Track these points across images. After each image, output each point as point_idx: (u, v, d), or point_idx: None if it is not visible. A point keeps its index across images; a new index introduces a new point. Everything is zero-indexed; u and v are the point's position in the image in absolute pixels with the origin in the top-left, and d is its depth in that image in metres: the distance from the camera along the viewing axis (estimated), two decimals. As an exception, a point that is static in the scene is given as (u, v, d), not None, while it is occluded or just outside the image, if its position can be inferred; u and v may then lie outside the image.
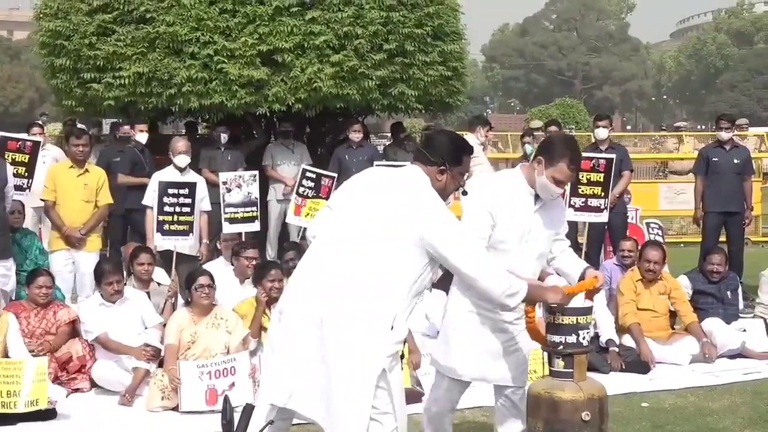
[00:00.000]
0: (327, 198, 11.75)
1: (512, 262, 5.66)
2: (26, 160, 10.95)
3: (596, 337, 9.36)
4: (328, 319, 4.89)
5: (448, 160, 5.39)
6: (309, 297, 5.05)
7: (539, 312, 6.09)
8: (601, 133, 12.58)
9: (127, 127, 13.41)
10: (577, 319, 9.56)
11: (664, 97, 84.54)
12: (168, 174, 11.13)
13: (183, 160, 11.19)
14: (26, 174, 10.92)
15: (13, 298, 9.53)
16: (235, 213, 11.30)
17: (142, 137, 13.01)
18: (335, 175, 12.41)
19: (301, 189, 11.72)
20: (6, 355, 8.26)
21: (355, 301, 4.93)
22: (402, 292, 5.02)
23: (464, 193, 5.88)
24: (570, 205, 10.78)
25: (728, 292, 10.47)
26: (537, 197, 5.82)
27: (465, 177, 5.91)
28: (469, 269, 5.10)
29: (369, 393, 4.93)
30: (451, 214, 5.17)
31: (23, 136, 12.08)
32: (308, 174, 11.78)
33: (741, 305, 10.81)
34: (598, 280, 5.91)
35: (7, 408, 7.65)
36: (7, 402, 7.66)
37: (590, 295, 6.03)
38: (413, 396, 8.31)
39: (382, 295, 4.94)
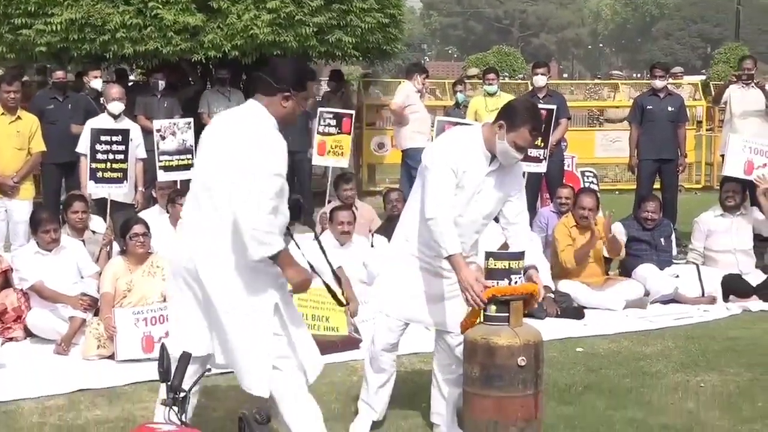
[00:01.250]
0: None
1: (458, 218, 5.75)
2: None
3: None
4: (202, 268, 5.10)
5: (292, 86, 5.39)
6: (181, 248, 5.26)
7: None
8: (540, 80, 12.62)
9: (61, 73, 13.06)
10: (509, 263, 9.68)
11: (600, 45, 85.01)
12: (101, 121, 10.98)
13: (116, 106, 11.02)
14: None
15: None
16: (169, 161, 11.21)
17: (96, 83, 12.93)
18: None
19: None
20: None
21: (217, 245, 5.09)
22: None
23: None
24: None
25: (662, 239, 10.60)
26: (492, 159, 5.82)
27: (309, 101, 6.05)
28: (241, 217, 4.97)
29: (265, 342, 5.14)
30: (262, 163, 5.07)
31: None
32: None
33: (674, 252, 10.95)
34: (536, 293, 5.97)
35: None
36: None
37: (526, 305, 6.04)
38: (351, 342, 8.40)
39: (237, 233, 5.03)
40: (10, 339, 8.58)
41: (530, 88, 13.38)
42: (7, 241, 10.54)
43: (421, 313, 6.07)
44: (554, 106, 11.37)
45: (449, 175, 5.71)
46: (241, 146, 5.11)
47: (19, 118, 10.70)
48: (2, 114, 10.63)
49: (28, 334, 8.73)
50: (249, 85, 15.06)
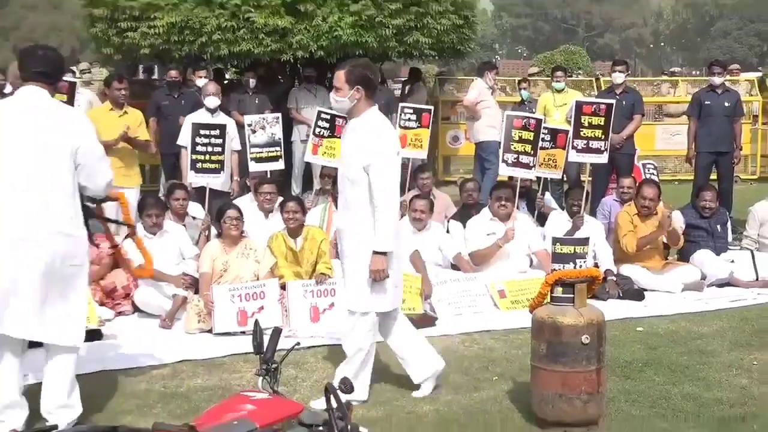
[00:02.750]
0: (341, 137, 11.81)
1: None
2: (65, 100, 10.93)
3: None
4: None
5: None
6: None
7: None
8: (618, 77, 12.49)
9: (174, 73, 13.62)
10: (574, 248, 9.66)
11: (662, 44, 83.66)
12: (200, 116, 11.15)
13: (212, 101, 11.22)
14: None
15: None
16: (259, 153, 11.27)
17: (202, 82, 13.10)
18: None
19: (317, 129, 11.68)
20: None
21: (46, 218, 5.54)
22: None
23: None
24: (572, 147, 10.65)
25: (718, 226, 10.47)
26: None
27: None
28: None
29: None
30: None
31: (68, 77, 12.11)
32: (323, 116, 11.70)
33: (730, 238, 10.80)
34: (599, 276, 6.05)
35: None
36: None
37: (590, 287, 6.10)
38: (427, 320, 8.38)
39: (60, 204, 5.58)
40: (120, 313, 8.79)
41: (596, 87, 13.22)
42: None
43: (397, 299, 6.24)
44: (613, 101, 11.11)
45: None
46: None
47: (125, 112, 10.99)
48: (111, 109, 10.96)
49: (136, 309, 8.91)
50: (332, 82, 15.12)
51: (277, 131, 11.40)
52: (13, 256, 5.51)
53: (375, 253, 6.03)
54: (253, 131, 11.30)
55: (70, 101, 11.03)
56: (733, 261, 10.07)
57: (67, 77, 12.05)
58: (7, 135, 5.58)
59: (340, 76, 6.18)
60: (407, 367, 6.55)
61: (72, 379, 5.86)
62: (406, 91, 16.52)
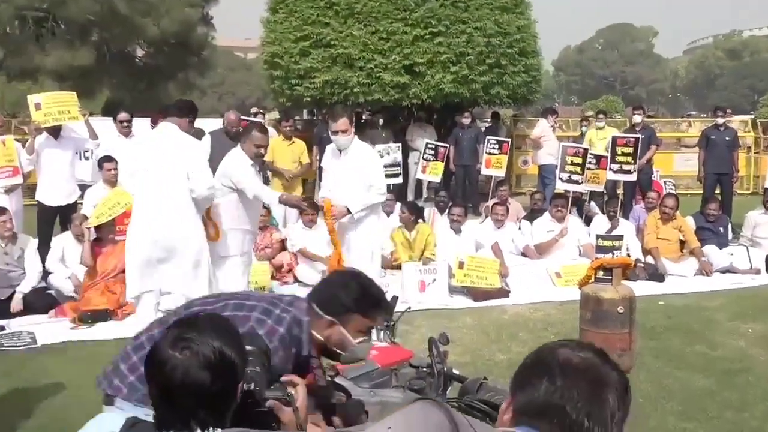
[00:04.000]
0: (443, 161, 11.75)
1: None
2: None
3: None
4: None
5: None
6: None
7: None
8: (637, 118, 12.26)
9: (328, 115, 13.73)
10: (612, 243, 9.39)
11: (678, 94, 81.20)
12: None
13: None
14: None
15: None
16: (385, 171, 11.27)
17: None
18: (447, 145, 12.34)
19: (425, 155, 11.70)
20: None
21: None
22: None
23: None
24: (610, 169, 10.61)
25: (720, 228, 10.11)
26: None
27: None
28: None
29: None
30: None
31: (250, 118, 12.34)
32: (429, 146, 11.75)
33: (730, 237, 10.39)
34: (631, 264, 5.73)
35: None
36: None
37: (624, 272, 5.89)
38: (502, 293, 8.28)
39: None
40: (285, 283, 8.83)
41: (628, 124, 12.88)
42: (284, 220, 10.81)
43: None
44: (640, 136, 11.04)
45: None
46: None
47: (293, 142, 11.02)
48: (283, 140, 11.01)
49: (296, 280, 8.94)
50: (437, 122, 15.11)
51: (398, 156, 11.44)
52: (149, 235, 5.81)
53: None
54: (381, 156, 11.33)
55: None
56: (732, 254, 9.68)
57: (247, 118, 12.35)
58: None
59: (345, 122, 5.80)
60: None
61: None
62: (491, 128, 16.35)
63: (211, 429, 1.75)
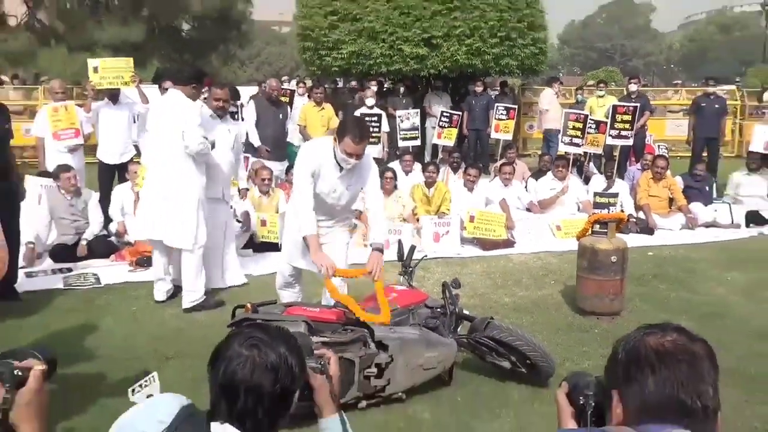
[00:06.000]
0: (456, 127, 11.66)
1: (327, 206, 4.75)
2: (287, 100, 11.06)
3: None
4: None
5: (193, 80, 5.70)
6: None
7: None
8: (632, 87, 12.14)
9: (354, 83, 13.84)
10: (608, 200, 9.37)
11: (672, 65, 79.55)
12: (363, 110, 11.12)
13: (370, 101, 11.28)
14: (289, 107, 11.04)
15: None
16: (405, 134, 11.27)
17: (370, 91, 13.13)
18: (460, 113, 12.22)
19: (441, 122, 11.65)
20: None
21: None
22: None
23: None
24: (609, 134, 10.46)
25: (706, 187, 9.96)
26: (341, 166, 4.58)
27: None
28: None
29: None
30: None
31: (286, 86, 12.33)
32: (444, 114, 11.67)
33: (714, 195, 10.27)
34: (624, 218, 5.55)
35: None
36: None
37: (618, 225, 5.84)
38: (508, 243, 8.30)
39: None
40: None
41: (625, 93, 12.69)
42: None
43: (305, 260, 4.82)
44: (638, 104, 10.85)
45: (307, 178, 4.57)
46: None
47: (323, 108, 10.97)
48: (314, 106, 10.94)
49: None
50: (452, 90, 14.97)
51: (417, 121, 11.40)
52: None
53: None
54: (402, 120, 11.30)
55: (291, 100, 11.23)
56: (716, 210, 9.57)
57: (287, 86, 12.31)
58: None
59: (363, 149, 4.79)
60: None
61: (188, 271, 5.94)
62: (499, 96, 16.16)
63: None
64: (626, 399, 1.46)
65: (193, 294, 5.90)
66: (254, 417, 1.65)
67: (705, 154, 11.85)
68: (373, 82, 13.50)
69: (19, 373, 1.52)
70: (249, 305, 4.01)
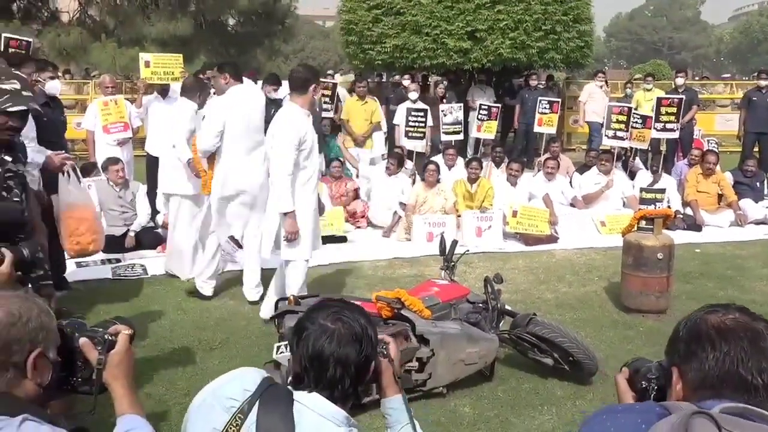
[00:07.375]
0: (495, 119, 11.47)
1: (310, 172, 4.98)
2: (330, 93, 11.05)
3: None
4: None
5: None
6: None
7: None
8: (679, 80, 11.94)
9: (397, 76, 13.85)
10: (654, 195, 9.20)
11: (722, 59, 77.52)
12: (408, 104, 11.06)
13: (413, 95, 11.13)
14: (330, 101, 11.04)
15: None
16: (448, 129, 11.16)
17: (406, 82, 12.99)
18: (499, 105, 11.91)
19: (480, 115, 11.51)
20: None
21: None
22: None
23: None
24: (654, 128, 10.25)
25: (757, 183, 9.74)
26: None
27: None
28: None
29: None
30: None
31: (328, 80, 12.34)
32: (483, 107, 11.54)
33: (765, 191, 9.99)
34: (671, 214, 5.47)
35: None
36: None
37: (665, 221, 5.77)
38: (551, 239, 8.21)
39: None
40: (358, 227, 8.87)
41: (673, 86, 12.42)
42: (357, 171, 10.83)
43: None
44: (683, 97, 10.67)
45: (294, 149, 4.78)
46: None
47: (366, 102, 10.95)
48: (357, 100, 10.94)
49: (369, 224, 8.96)
50: (496, 84, 14.85)
51: (460, 115, 11.27)
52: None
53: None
54: (445, 115, 11.21)
55: (334, 93, 11.21)
56: (767, 207, 9.32)
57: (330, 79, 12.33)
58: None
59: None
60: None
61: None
62: (544, 90, 15.97)
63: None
64: (686, 375, 1.46)
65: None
66: (342, 385, 1.75)
67: (756, 149, 11.54)
68: (407, 76, 13.44)
69: (110, 338, 1.73)
70: (292, 297, 4.05)
